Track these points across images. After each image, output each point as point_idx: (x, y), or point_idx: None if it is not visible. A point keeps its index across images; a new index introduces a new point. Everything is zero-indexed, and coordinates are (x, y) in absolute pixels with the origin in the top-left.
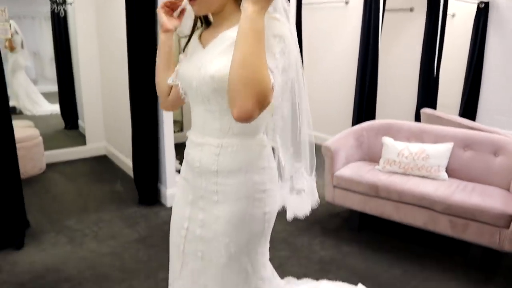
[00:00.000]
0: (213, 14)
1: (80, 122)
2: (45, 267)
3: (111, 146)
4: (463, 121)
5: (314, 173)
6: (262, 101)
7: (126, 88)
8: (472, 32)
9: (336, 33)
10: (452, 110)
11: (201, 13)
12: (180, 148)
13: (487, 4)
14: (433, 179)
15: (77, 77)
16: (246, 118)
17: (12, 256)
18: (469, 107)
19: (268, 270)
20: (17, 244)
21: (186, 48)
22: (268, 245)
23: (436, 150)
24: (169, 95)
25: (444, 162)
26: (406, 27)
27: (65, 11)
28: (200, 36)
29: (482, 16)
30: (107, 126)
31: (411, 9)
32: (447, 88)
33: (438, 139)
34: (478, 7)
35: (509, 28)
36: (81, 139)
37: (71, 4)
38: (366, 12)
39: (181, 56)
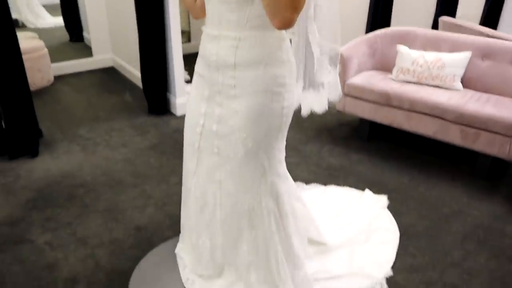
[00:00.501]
0: None
1: (85, 34)
2: (61, 173)
3: (118, 58)
4: (483, 30)
5: (338, 66)
6: (300, 6)
7: None
8: None
9: None
10: (472, 21)
11: None
12: (187, 60)
13: None
14: (447, 89)
15: None
16: (288, 26)
17: (28, 164)
18: (491, 17)
19: (284, 167)
20: (32, 152)
21: None
22: (284, 142)
23: (452, 58)
24: (196, 0)
25: (460, 72)
26: None
27: None
28: None
29: None
30: (113, 38)
31: None
32: None
33: (455, 47)
34: None
35: None
36: (87, 51)
37: None
38: None
39: None
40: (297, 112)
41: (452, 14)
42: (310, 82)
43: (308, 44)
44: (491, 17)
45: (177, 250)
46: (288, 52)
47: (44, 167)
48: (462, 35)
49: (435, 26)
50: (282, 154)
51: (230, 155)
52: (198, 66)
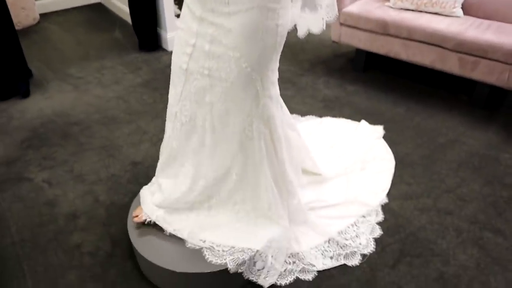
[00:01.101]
0: None
1: None
2: (54, 113)
3: None
4: None
5: None
6: None
7: None
8: None
9: None
10: None
11: None
12: None
13: None
14: (447, 16)
15: None
16: None
17: (20, 104)
18: None
19: (277, 89)
20: (23, 93)
21: None
22: (278, 64)
23: None
24: None
25: None
26: None
27: None
28: None
29: None
30: None
31: None
32: None
33: None
34: None
35: None
36: None
37: None
38: None
39: None
40: (291, 44)
41: None
42: (306, 2)
43: None
44: None
45: (142, 191)
46: None
47: (36, 107)
48: None
49: None
50: (275, 75)
51: (222, 76)
52: None
